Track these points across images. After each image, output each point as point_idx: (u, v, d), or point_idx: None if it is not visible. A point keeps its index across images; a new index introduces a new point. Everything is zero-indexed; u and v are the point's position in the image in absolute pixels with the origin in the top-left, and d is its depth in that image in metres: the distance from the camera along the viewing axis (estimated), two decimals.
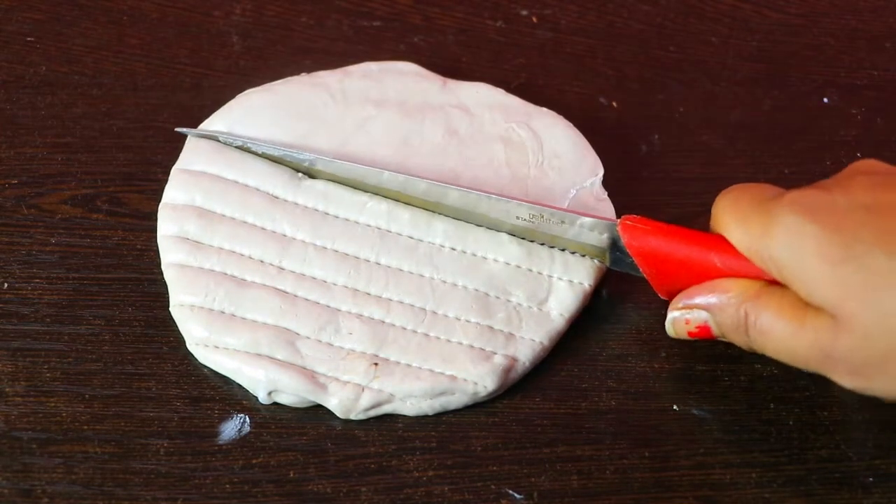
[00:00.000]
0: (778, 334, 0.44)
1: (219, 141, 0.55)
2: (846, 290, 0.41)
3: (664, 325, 0.50)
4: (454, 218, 0.53)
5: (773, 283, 0.45)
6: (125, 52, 0.62)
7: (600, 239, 0.51)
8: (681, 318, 0.48)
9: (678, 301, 0.48)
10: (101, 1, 0.64)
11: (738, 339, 0.46)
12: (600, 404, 0.51)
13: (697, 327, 0.47)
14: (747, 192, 0.45)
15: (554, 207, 0.51)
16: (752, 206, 0.44)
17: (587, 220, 0.50)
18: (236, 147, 0.55)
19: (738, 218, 0.45)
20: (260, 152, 0.54)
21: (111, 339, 0.51)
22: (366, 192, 0.54)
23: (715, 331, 0.47)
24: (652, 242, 0.48)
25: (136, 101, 0.59)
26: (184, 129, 0.55)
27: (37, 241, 0.54)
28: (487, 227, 0.53)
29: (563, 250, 0.52)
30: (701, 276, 0.47)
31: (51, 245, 0.54)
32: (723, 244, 0.46)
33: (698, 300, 0.47)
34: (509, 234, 0.52)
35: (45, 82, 0.60)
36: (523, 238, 0.52)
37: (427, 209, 0.53)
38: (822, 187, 0.43)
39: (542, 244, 0.52)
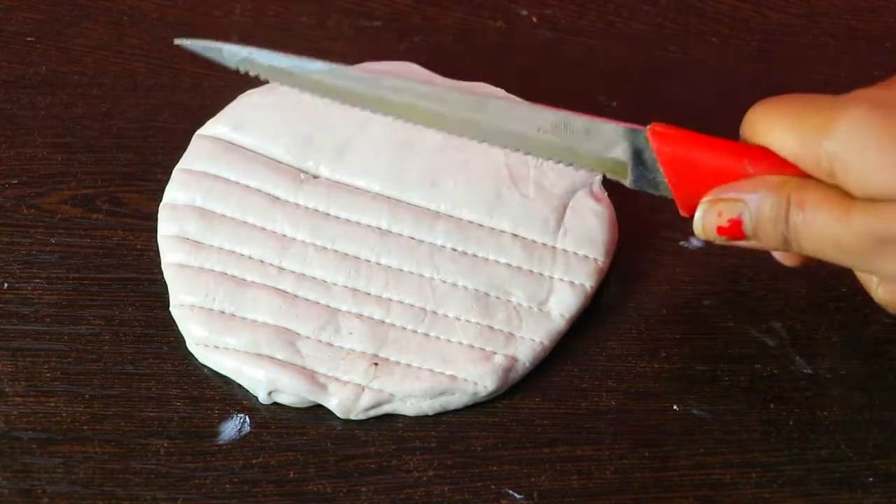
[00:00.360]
0: (823, 218, 0.42)
1: (222, 54, 0.50)
2: None
3: (663, 326, 0.51)
4: (477, 139, 0.49)
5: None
6: (125, 52, 0.62)
7: (624, 149, 0.47)
8: (713, 211, 0.45)
9: (711, 194, 0.45)
10: (101, 1, 0.64)
11: (773, 233, 0.44)
12: (600, 404, 0.51)
13: (729, 221, 0.45)
14: (797, 97, 0.44)
15: (579, 114, 0.48)
16: (804, 106, 0.43)
17: (613, 127, 0.47)
18: (241, 59, 0.49)
19: (789, 118, 0.44)
20: (265, 64, 0.49)
21: (111, 339, 0.51)
22: (386, 112, 0.49)
23: (747, 225, 0.45)
24: (683, 148, 0.46)
25: (136, 101, 0.59)
26: (184, 42, 0.50)
27: (37, 241, 0.54)
28: (509, 146, 0.49)
29: (581, 166, 0.49)
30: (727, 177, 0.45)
31: (51, 245, 0.54)
32: (756, 152, 0.45)
33: (735, 190, 0.45)
34: (531, 151, 0.48)
35: (45, 82, 0.60)
36: (544, 156, 0.48)
37: (449, 130, 0.49)
38: (885, 86, 0.43)
39: (560, 162, 0.48)
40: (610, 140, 0.48)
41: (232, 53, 0.49)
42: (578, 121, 0.48)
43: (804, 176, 0.43)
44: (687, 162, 0.46)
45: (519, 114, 0.48)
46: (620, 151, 0.48)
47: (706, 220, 0.46)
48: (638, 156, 0.47)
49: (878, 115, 0.41)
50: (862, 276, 0.46)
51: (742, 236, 0.45)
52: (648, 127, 0.47)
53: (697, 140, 0.46)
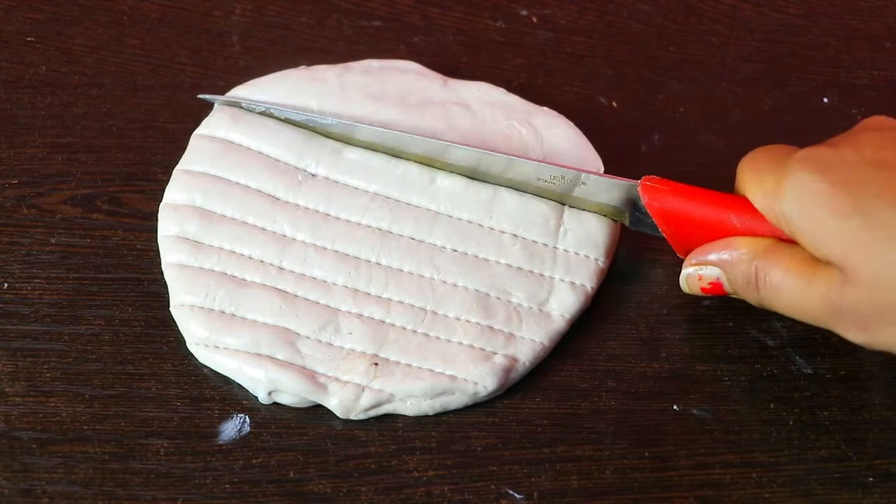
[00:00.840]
0: (788, 290, 0.45)
1: (242, 107, 0.56)
2: (853, 243, 0.42)
3: (663, 326, 0.51)
4: (481, 180, 0.54)
5: (786, 241, 0.46)
6: (125, 52, 0.62)
7: (621, 199, 0.51)
8: (694, 275, 0.48)
9: (692, 258, 0.48)
10: (101, 1, 0.64)
11: (750, 296, 0.47)
12: (600, 404, 0.51)
13: (710, 283, 0.48)
14: (766, 152, 0.47)
15: (576, 169, 0.52)
16: (768, 164, 0.46)
17: (608, 181, 0.51)
18: (258, 113, 0.56)
19: (755, 176, 0.46)
20: (282, 118, 0.55)
21: (111, 339, 0.51)
22: (393, 156, 0.55)
23: (727, 287, 0.48)
24: (672, 202, 0.49)
25: (136, 101, 0.59)
26: (207, 97, 0.57)
27: (37, 241, 0.54)
28: (512, 188, 0.54)
29: (582, 209, 0.53)
30: (719, 235, 0.48)
31: (51, 245, 0.54)
32: (741, 204, 0.47)
33: (711, 257, 0.48)
34: (534, 194, 0.53)
35: (45, 82, 0.60)
36: (546, 198, 0.53)
37: (457, 173, 0.54)
38: (833, 144, 0.44)
39: (564, 205, 0.53)
40: (606, 191, 0.51)
41: (251, 107, 0.55)
42: (575, 175, 0.52)
43: (778, 234, 0.46)
44: (677, 215, 0.49)
45: (521, 168, 0.52)
46: (618, 200, 0.51)
47: (690, 281, 0.49)
48: (633, 204, 0.51)
49: (821, 181, 0.42)
50: None
51: (725, 293, 0.48)
52: (639, 182, 0.50)
53: (687, 193, 0.49)
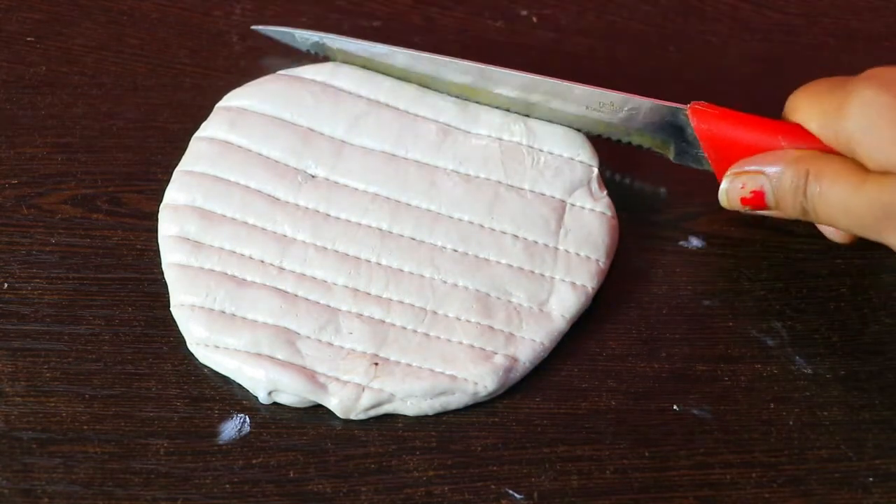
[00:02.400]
0: (837, 193, 0.45)
1: (295, 38, 0.58)
2: None
3: (663, 326, 0.51)
4: (524, 114, 0.55)
5: (835, 154, 0.47)
6: (125, 52, 0.62)
7: (668, 126, 0.51)
8: (737, 182, 0.49)
9: (735, 167, 0.49)
10: (101, 1, 0.64)
11: (792, 203, 0.47)
12: (600, 404, 0.51)
13: (752, 192, 0.48)
14: (824, 80, 0.48)
15: (625, 94, 0.52)
16: (828, 88, 0.47)
17: (657, 105, 0.51)
18: (312, 43, 0.58)
19: (813, 99, 0.47)
20: (336, 48, 0.57)
21: (111, 339, 0.51)
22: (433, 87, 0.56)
23: (769, 196, 0.48)
24: (720, 126, 0.49)
25: (136, 101, 0.59)
26: (260, 28, 0.59)
27: (37, 241, 0.54)
28: (559, 122, 0.54)
29: (628, 143, 0.54)
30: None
31: (51, 245, 0.54)
32: (791, 128, 0.48)
33: (757, 163, 0.48)
34: (578, 128, 0.54)
35: (45, 82, 0.60)
36: (593, 133, 0.54)
37: (499, 106, 0.55)
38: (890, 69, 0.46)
39: (609, 138, 0.54)
40: (653, 118, 0.51)
41: (304, 38, 0.57)
42: (623, 100, 0.52)
43: (828, 150, 0.46)
44: (725, 138, 0.49)
45: (568, 93, 0.52)
46: (665, 127, 0.51)
47: (731, 192, 0.49)
48: (679, 133, 0.51)
49: (887, 96, 0.44)
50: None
51: (764, 206, 0.48)
52: (689, 105, 0.50)
53: (735, 118, 0.49)
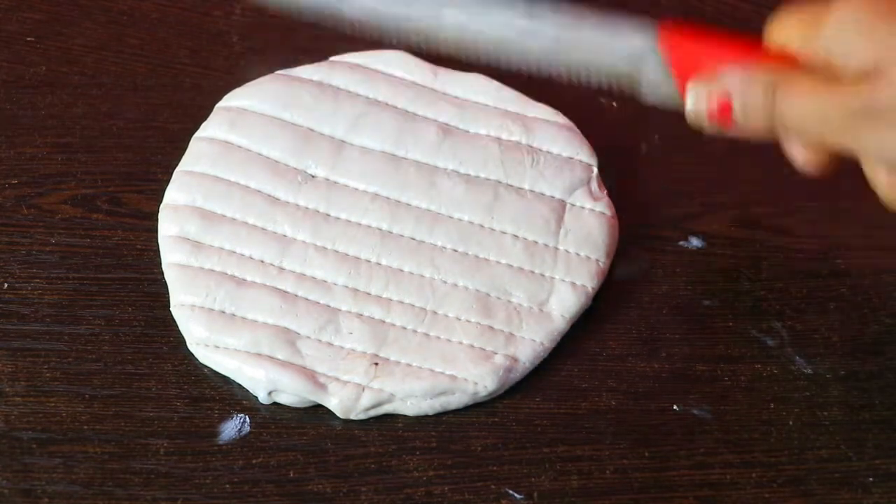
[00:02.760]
0: (809, 97, 0.43)
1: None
2: (890, 45, 0.41)
3: (663, 326, 0.50)
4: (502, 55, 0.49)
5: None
6: (125, 52, 0.62)
7: (636, 51, 0.46)
8: (704, 91, 0.45)
9: (703, 76, 0.45)
10: (101, 1, 0.64)
11: (762, 114, 0.44)
12: (600, 404, 0.51)
13: (720, 103, 0.44)
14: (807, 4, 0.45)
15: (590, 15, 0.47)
16: (809, 7, 0.45)
17: (624, 26, 0.46)
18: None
19: (794, 17, 0.45)
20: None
21: (111, 339, 0.51)
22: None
23: (737, 108, 0.44)
24: (692, 45, 0.45)
25: (136, 101, 0.59)
26: None
27: (37, 241, 0.54)
28: (517, 53, 0.48)
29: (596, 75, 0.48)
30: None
31: (51, 245, 0.54)
32: (771, 48, 0.45)
33: (726, 72, 0.45)
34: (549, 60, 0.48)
35: (45, 82, 0.60)
36: (561, 64, 0.48)
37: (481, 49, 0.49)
38: None
39: (575, 70, 0.47)
40: (622, 42, 0.47)
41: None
42: (590, 21, 0.47)
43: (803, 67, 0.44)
44: (695, 58, 0.45)
45: (528, 26, 0.47)
46: (632, 55, 0.47)
47: (697, 103, 0.45)
48: (651, 58, 0.46)
49: (865, 7, 0.42)
50: (868, 173, 0.45)
51: (731, 120, 0.45)
52: (660, 24, 0.46)
53: (708, 38, 0.45)
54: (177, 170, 0.55)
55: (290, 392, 0.49)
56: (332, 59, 0.59)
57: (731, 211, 0.57)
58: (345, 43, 0.63)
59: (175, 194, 0.54)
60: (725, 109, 0.44)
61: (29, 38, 0.62)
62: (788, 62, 0.44)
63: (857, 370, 0.52)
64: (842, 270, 0.55)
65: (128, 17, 0.63)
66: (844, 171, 0.59)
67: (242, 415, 0.49)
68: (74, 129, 0.58)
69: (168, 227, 0.53)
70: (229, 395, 0.50)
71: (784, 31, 0.45)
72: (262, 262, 0.52)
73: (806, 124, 0.44)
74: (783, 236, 0.56)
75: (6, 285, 0.52)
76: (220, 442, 0.48)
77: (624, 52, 0.46)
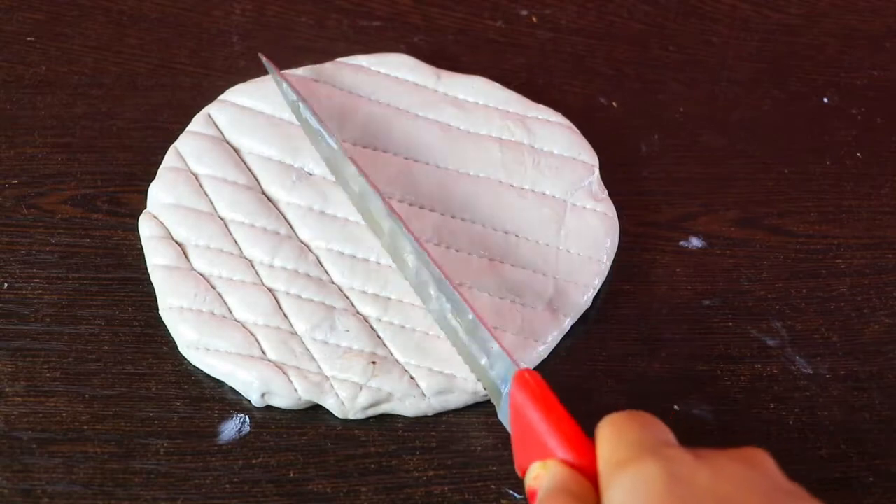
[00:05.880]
0: None
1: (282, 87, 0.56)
2: None
3: (663, 326, 0.50)
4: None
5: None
6: (125, 52, 0.62)
7: (501, 376, 0.46)
8: (530, 476, 0.43)
9: (536, 464, 0.43)
10: (101, 1, 0.64)
11: None
12: (600, 404, 0.50)
13: (529, 490, 0.43)
14: (637, 420, 0.42)
15: (480, 323, 0.47)
16: (635, 434, 0.41)
17: (497, 350, 0.46)
18: (291, 101, 0.55)
19: (615, 435, 0.41)
20: (304, 117, 0.54)
21: (111, 339, 0.51)
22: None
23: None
24: (532, 402, 0.43)
25: (136, 101, 0.59)
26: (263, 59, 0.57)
27: (37, 241, 0.54)
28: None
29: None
30: (540, 456, 0.43)
31: (51, 245, 0.54)
32: (586, 447, 0.42)
33: (533, 472, 0.43)
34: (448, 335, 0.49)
35: (45, 82, 0.60)
36: (454, 343, 0.49)
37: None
38: (703, 456, 0.40)
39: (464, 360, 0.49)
40: (494, 363, 0.47)
41: (286, 93, 0.55)
42: (475, 324, 0.47)
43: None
44: (526, 420, 0.43)
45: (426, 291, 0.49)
46: (498, 377, 0.46)
47: (527, 480, 0.43)
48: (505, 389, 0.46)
49: (661, 485, 0.39)
50: None
51: None
52: (521, 370, 0.44)
53: (548, 404, 0.43)
54: (161, 166, 0.55)
55: (285, 395, 0.49)
56: (338, 60, 0.59)
57: (731, 211, 0.57)
58: (344, 42, 0.63)
59: (160, 193, 0.54)
60: (532, 497, 0.42)
61: (29, 38, 0.62)
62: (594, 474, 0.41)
63: (857, 370, 0.52)
64: (842, 270, 0.55)
65: (128, 17, 0.63)
66: (845, 173, 0.60)
67: (242, 415, 0.49)
68: (74, 129, 0.58)
69: (153, 227, 0.53)
70: (229, 395, 0.50)
71: (602, 439, 0.41)
72: (252, 261, 0.52)
73: None
74: (783, 236, 0.56)
75: (6, 285, 0.52)
76: (220, 442, 0.48)
77: (496, 373, 0.46)
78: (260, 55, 0.57)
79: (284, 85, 0.55)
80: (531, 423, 0.43)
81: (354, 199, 0.53)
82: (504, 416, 0.45)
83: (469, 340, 0.48)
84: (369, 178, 0.51)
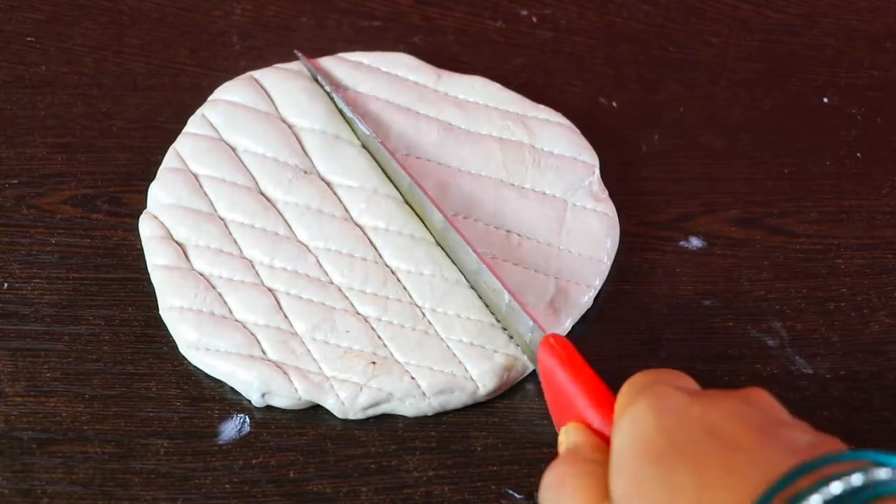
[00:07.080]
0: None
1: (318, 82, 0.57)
2: (636, 488, 0.38)
3: (663, 326, 0.50)
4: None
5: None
6: (125, 52, 0.62)
7: (530, 341, 0.48)
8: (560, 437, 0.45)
9: (568, 427, 0.44)
10: (101, 1, 0.64)
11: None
12: None
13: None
14: (646, 375, 0.42)
15: (505, 289, 0.49)
16: (641, 384, 0.41)
17: (526, 320, 0.48)
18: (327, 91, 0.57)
19: (625, 389, 0.42)
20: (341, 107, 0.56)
21: (111, 339, 0.51)
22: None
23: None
24: (560, 365, 0.45)
25: (136, 101, 0.59)
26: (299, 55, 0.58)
27: (37, 241, 0.54)
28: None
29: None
30: (571, 418, 0.44)
31: (51, 245, 0.54)
32: (607, 406, 0.43)
33: (561, 437, 0.44)
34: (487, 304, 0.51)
35: (45, 82, 0.60)
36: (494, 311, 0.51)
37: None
38: (697, 394, 0.40)
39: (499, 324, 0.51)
40: (523, 330, 0.49)
41: (324, 83, 0.57)
42: (501, 292, 0.49)
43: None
44: (559, 382, 0.45)
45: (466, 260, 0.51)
46: (530, 339, 0.48)
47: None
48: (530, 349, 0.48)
49: (653, 420, 0.39)
50: None
51: None
52: (544, 335, 0.46)
53: (575, 368, 0.44)
54: (161, 167, 0.55)
55: (285, 395, 0.49)
56: (340, 55, 0.59)
57: (731, 211, 0.57)
58: (343, 42, 0.63)
59: (160, 193, 0.54)
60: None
61: (29, 38, 0.62)
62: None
63: (857, 370, 0.52)
64: (842, 270, 0.55)
65: (128, 17, 0.63)
66: (845, 173, 0.60)
67: (242, 415, 0.49)
68: (74, 129, 0.58)
69: (153, 228, 0.53)
70: (229, 395, 0.50)
71: (619, 396, 0.42)
72: (253, 261, 0.52)
73: None
74: (783, 236, 0.56)
75: (6, 285, 0.52)
76: (220, 442, 0.48)
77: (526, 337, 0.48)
78: (296, 51, 0.58)
79: (321, 78, 0.57)
80: (560, 386, 0.44)
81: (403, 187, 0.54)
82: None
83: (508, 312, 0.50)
84: (409, 171, 0.53)
